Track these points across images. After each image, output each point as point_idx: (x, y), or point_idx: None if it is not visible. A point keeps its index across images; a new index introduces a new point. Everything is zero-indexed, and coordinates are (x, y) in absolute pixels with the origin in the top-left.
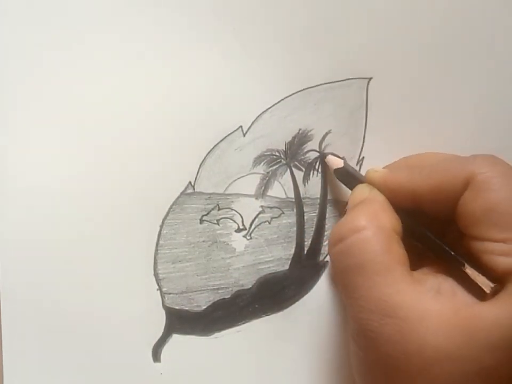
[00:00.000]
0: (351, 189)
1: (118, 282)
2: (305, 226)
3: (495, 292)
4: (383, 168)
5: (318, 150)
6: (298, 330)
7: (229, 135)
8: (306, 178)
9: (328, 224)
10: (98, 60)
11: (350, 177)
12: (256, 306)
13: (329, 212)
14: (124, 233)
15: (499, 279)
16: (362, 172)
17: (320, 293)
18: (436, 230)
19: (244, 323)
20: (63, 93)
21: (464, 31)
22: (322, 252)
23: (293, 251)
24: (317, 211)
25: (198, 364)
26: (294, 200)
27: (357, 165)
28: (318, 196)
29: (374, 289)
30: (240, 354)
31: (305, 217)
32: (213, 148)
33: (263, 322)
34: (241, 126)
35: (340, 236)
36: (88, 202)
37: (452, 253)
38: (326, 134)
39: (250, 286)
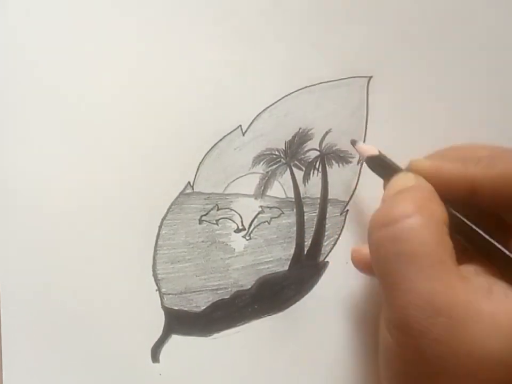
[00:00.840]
0: (385, 179)
1: (117, 283)
2: (305, 227)
3: None
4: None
5: (318, 149)
6: (298, 330)
7: (228, 134)
8: (306, 177)
9: (329, 224)
10: (98, 61)
11: (386, 166)
12: (256, 306)
13: (330, 212)
14: (123, 234)
15: None
16: (365, 170)
17: (320, 293)
18: (486, 224)
19: (243, 324)
20: (63, 94)
21: (464, 31)
22: (322, 252)
23: (292, 251)
24: (317, 211)
25: (197, 365)
26: (294, 200)
27: (358, 164)
28: (318, 196)
29: (426, 282)
30: (240, 355)
31: (305, 217)
32: (212, 147)
33: (263, 322)
34: (240, 125)
35: (388, 219)
36: (87, 202)
37: (506, 252)
38: (327, 133)
39: (249, 286)
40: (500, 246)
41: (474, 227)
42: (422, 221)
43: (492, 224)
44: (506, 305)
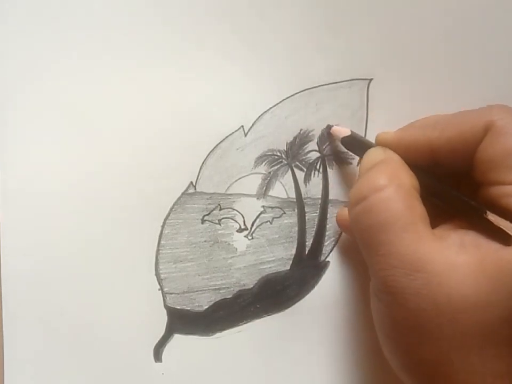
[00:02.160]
0: (361, 156)
1: (120, 282)
2: (306, 227)
3: None
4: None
5: (319, 150)
6: (300, 330)
7: (230, 135)
8: (307, 178)
9: (330, 224)
10: (99, 61)
11: (359, 144)
12: (258, 306)
13: (330, 212)
14: (126, 233)
15: None
16: None
17: (322, 292)
18: (451, 185)
19: (245, 323)
20: (65, 94)
21: (464, 32)
22: (323, 251)
23: (294, 251)
24: (318, 211)
25: (199, 364)
26: (295, 200)
27: (357, 165)
28: (319, 196)
29: (400, 244)
30: (242, 354)
31: (307, 217)
32: (214, 147)
33: (265, 322)
34: (242, 126)
35: (361, 195)
36: (90, 202)
37: (472, 202)
38: (327, 134)
39: (251, 286)
40: (466, 198)
41: (441, 185)
42: (390, 191)
43: (458, 182)
44: (477, 255)
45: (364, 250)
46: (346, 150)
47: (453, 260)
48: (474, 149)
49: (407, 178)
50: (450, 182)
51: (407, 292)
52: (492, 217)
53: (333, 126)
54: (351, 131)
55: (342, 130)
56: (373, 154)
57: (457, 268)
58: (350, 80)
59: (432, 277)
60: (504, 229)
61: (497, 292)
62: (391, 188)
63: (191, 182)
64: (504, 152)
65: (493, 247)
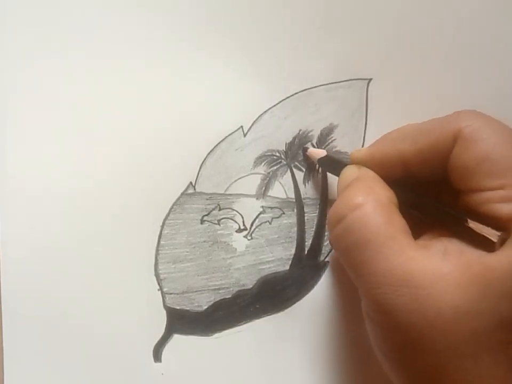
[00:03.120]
0: (338, 175)
1: (119, 283)
2: (305, 227)
3: (502, 241)
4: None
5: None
6: (299, 330)
7: (229, 135)
8: (306, 178)
9: None
10: (98, 62)
11: (335, 164)
12: (257, 306)
13: None
14: (125, 234)
15: (504, 226)
16: None
17: (321, 293)
18: (429, 196)
19: (244, 323)
20: (65, 95)
21: (464, 32)
22: (323, 252)
23: (293, 251)
24: (317, 211)
25: (199, 364)
26: (294, 200)
27: None
28: (319, 196)
29: (382, 261)
30: (241, 355)
31: (306, 218)
32: (214, 148)
33: (264, 322)
34: (241, 126)
35: (339, 215)
36: (89, 202)
37: (452, 211)
38: (326, 134)
39: (251, 286)
40: (445, 208)
41: (418, 196)
42: (368, 208)
43: (436, 192)
44: (461, 262)
45: (349, 271)
46: (345, 150)
47: (439, 269)
48: (446, 158)
49: (383, 193)
50: (428, 192)
51: (396, 309)
52: (473, 224)
53: (308, 148)
54: (327, 151)
55: (318, 152)
56: (348, 173)
57: (444, 278)
58: (349, 80)
59: (419, 290)
60: (486, 235)
61: (486, 299)
62: (368, 204)
63: (191, 182)
64: (477, 159)
65: (477, 253)
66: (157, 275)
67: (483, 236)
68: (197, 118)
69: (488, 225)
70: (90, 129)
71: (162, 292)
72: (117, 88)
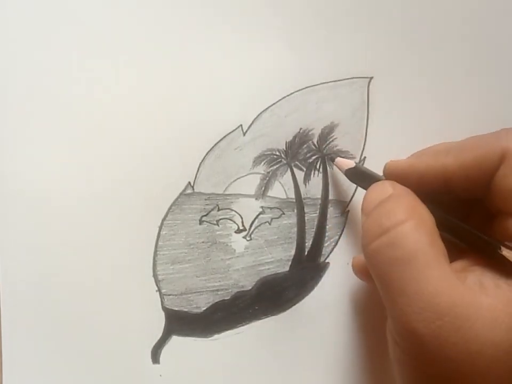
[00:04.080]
0: (365, 188)
1: (117, 284)
2: (306, 227)
3: None
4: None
5: (319, 149)
6: (299, 332)
7: (228, 134)
8: (307, 178)
9: (329, 224)
10: (98, 61)
11: (364, 176)
12: (256, 307)
13: (331, 213)
14: (123, 234)
15: None
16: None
17: (321, 294)
18: (462, 216)
19: (243, 325)
20: (63, 94)
21: (464, 31)
22: (323, 253)
23: (293, 252)
24: (318, 211)
25: (197, 366)
26: (294, 200)
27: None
28: (319, 196)
29: (427, 283)
30: (240, 356)
31: (306, 218)
32: (213, 147)
33: (263, 324)
34: (241, 125)
35: (381, 228)
36: (87, 203)
37: (486, 237)
38: (327, 133)
39: (250, 287)
40: (479, 233)
41: (455, 220)
42: (413, 225)
43: (471, 211)
44: (500, 297)
45: (383, 289)
46: (347, 149)
47: (479, 302)
48: (491, 176)
49: (426, 214)
50: (462, 211)
51: (435, 340)
52: (507, 253)
53: (336, 157)
54: (355, 163)
55: (346, 162)
56: (380, 189)
57: (485, 312)
58: (351, 78)
59: (461, 322)
60: None
61: None
62: (413, 222)
63: (189, 182)
64: None
65: None
66: (155, 276)
67: None
68: (195, 117)
69: None
70: (89, 129)
71: (160, 293)
72: (116, 88)
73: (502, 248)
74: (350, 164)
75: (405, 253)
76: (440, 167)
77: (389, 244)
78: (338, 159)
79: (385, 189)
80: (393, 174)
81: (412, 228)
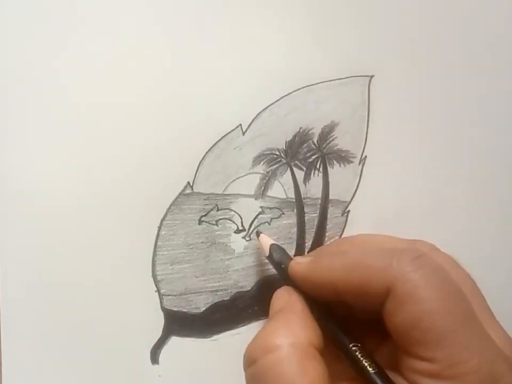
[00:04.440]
0: (280, 275)
1: (116, 284)
2: (305, 227)
3: None
4: (309, 256)
5: (319, 149)
6: None
7: (228, 134)
8: (307, 178)
9: (330, 224)
10: (97, 61)
11: (276, 265)
12: (256, 308)
13: (331, 212)
14: (122, 235)
15: None
16: (366, 171)
17: None
18: (361, 328)
19: (243, 325)
20: (62, 94)
21: (464, 30)
22: None
23: (293, 252)
24: (318, 211)
25: (196, 366)
26: (294, 200)
27: (359, 164)
28: (319, 196)
29: None
30: (239, 357)
31: (306, 218)
32: (212, 147)
33: (263, 324)
34: (240, 125)
35: (252, 357)
36: (87, 203)
37: (375, 380)
38: (328, 132)
39: (249, 287)
40: (370, 370)
41: (345, 346)
42: (283, 353)
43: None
44: None
45: None
46: (347, 149)
47: None
48: (378, 307)
49: (302, 335)
50: (364, 315)
51: None
52: None
53: (260, 233)
54: (272, 245)
55: (267, 241)
56: (278, 298)
57: None
58: (351, 77)
59: None
60: None
61: None
62: (284, 349)
63: (188, 182)
64: (408, 323)
65: None
66: (154, 276)
67: None
68: (195, 117)
69: None
70: (89, 129)
71: (159, 294)
72: (114, 88)
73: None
74: (268, 244)
75: None
76: (331, 283)
77: (257, 376)
78: (262, 236)
79: (281, 299)
80: (293, 277)
81: (281, 356)
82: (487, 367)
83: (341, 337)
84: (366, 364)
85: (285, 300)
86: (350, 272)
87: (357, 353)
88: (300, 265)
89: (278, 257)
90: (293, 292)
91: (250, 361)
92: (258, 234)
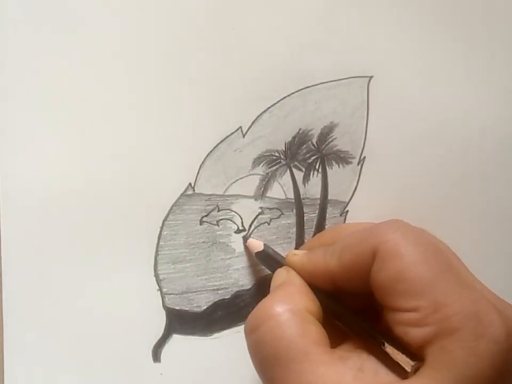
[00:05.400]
0: (273, 272)
1: (119, 283)
2: (304, 227)
3: (416, 369)
4: (302, 249)
5: (318, 149)
6: None
7: (228, 136)
8: (306, 178)
9: (328, 224)
10: (97, 61)
11: (271, 260)
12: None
13: (330, 213)
14: (124, 234)
15: (417, 351)
16: (365, 171)
17: None
18: (357, 307)
19: (243, 323)
20: (63, 95)
21: (464, 30)
22: None
23: None
24: (317, 212)
25: (198, 364)
26: (293, 200)
27: (358, 165)
28: (318, 196)
29: (294, 379)
30: (240, 355)
31: (305, 218)
32: (213, 149)
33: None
34: (240, 127)
35: (254, 324)
36: (89, 203)
37: (372, 331)
38: (327, 133)
39: (250, 286)
40: (366, 326)
41: (343, 310)
42: (282, 318)
43: (364, 304)
44: (375, 383)
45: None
46: (346, 149)
47: None
48: (368, 275)
49: (300, 302)
50: (357, 304)
51: None
52: (389, 349)
53: (249, 238)
54: (265, 245)
55: (256, 244)
56: (278, 276)
57: None
58: (350, 77)
59: None
60: (400, 363)
61: None
62: (283, 315)
63: (190, 183)
64: (392, 278)
65: (389, 378)
66: (156, 275)
67: (397, 362)
68: (195, 119)
69: (404, 349)
70: (90, 129)
71: (161, 292)
72: (116, 90)
73: (386, 344)
74: (259, 246)
75: (271, 352)
76: (325, 268)
77: (259, 342)
78: (250, 240)
79: (281, 276)
80: (291, 267)
81: (281, 321)
82: (469, 307)
83: (338, 308)
84: (364, 326)
85: (285, 275)
86: (341, 255)
87: (355, 318)
88: (296, 256)
89: (272, 252)
90: (292, 270)
91: (252, 328)
92: (246, 239)
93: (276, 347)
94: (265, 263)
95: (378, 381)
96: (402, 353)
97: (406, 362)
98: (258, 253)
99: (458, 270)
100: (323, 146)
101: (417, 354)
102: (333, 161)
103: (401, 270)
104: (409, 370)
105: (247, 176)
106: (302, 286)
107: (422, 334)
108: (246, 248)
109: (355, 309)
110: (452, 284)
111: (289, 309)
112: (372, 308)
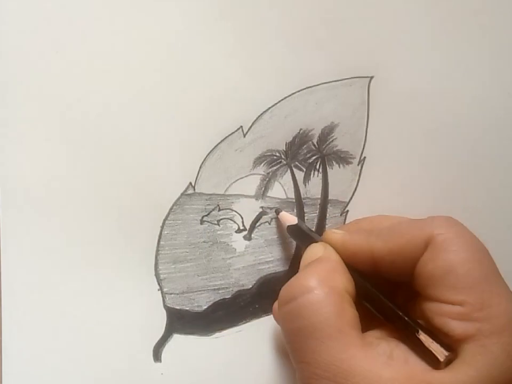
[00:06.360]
0: (304, 247)
1: (119, 283)
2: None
3: (448, 361)
4: (341, 230)
5: (319, 150)
6: None
7: (229, 135)
8: (307, 178)
9: (329, 224)
10: (97, 60)
11: (304, 236)
12: (257, 306)
13: (330, 212)
14: (125, 234)
15: (453, 344)
16: (365, 171)
17: None
18: (387, 292)
19: (244, 323)
20: (64, 93)
21: (464, 30)
22: None
23: (293, 251)
24: (317, 211)
25: (198, 364)
26: (294, 200)
27: (358, 165)
28: (319, 196)
29: (326, 353)
30: (241, 354)
31: (306, 218)
32: (213, 148)
33: (264, 322)
34: (241, 127)
35: (291, 295)
36: (89, 203)
37: (406, 318)
38: (327, 133)
39: (250, 286)
40: (400, 313)
41: (378, 294)
42: (320, 294)
43: (395, 290)
44: (405, 371)
45: (290, 353)
46: (346, 149)
47: (379, 373)
48: (415, 262)
49: (339, 281)
50: (390, 287)
51: None
52: (423, 337)
53: (281, 211)
54: (298, 220)
55: (289, 218)
56: (313, 250)
57: (383, 383)
58: (351, 78)
59: None
60: (434, 352)
61: None
62: (322, 290)
63: (190, 183)
64: (443, 269)
65: (422, 367)
66: (157, 275)
67: (430, 351)
68: (196, 118)
69: (438, 340)
70: (91, 130)
71: (162, 292)
72: (116, 89)
73: (420, 332)
74: (293, 220)
75: (307, 324)
76: (369, 249)
77: (295, 312)
78: (283, 213)
79: (317, 250)
80: (329, 244)
81: (317, 298)
82: None
83: (372, 291)
84: (400, 312)
85: (321, 251)
86: (389, 239)
87: (388, 303)
88: (336, 234)
89: (306, 228)
90: (329, 246)
91: (288, 299)
92: (278, 212)
93: (313, 320)
94: (295, 238)
95: (408, 368)
96: (437, 342)
97: (439, 352)
98: (290, 227)
99: (501, 274)
100: (323, 146)
101: (452, 347)
102: (333, 161)
103: (453, 264)
104: (442, 360)
105: (247, 175)
106: (339, 263)
107: (463, 328)
108: (278, 220)
109: (391, 292)
110: (500, 286)
111: (328, 285)
112: (401, 293)
